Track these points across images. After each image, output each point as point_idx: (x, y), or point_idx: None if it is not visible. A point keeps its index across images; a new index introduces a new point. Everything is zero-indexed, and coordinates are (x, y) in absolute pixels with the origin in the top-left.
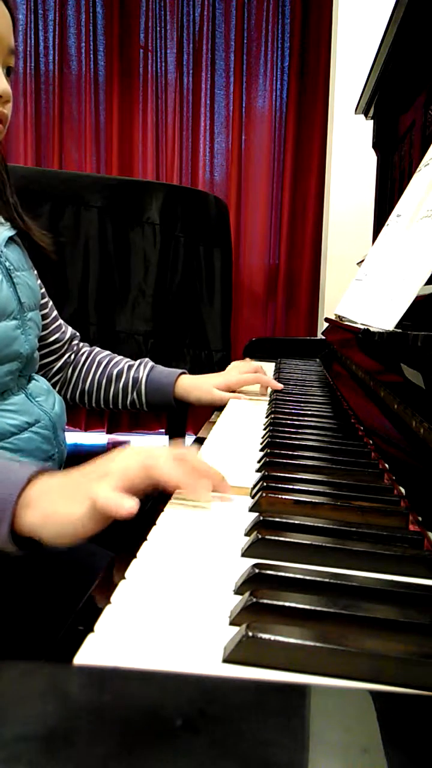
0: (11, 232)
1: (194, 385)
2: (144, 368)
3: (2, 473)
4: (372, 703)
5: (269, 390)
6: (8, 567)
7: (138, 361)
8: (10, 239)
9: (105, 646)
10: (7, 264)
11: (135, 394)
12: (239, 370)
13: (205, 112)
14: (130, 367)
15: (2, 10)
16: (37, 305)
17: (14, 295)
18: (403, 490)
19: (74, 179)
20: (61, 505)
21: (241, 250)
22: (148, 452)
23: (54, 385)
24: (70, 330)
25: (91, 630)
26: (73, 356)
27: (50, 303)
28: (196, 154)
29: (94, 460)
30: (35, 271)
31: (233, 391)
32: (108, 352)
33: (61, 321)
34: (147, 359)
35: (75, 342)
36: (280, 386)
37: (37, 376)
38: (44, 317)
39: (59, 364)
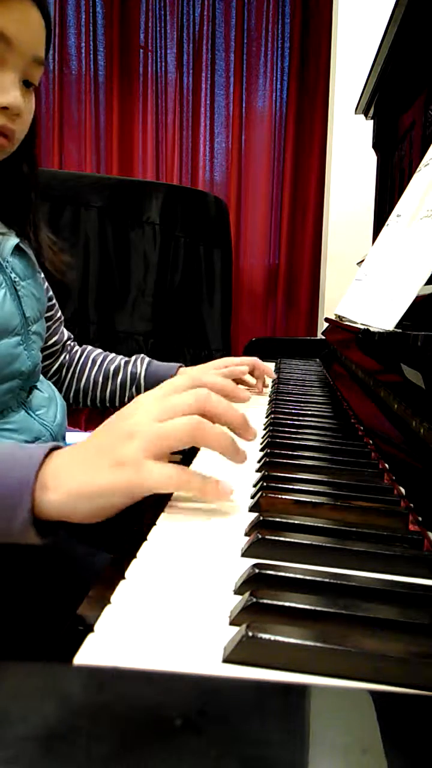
0: (18, 240)
1: None
2: (141, 363)
3: (13, 456)
4: (372, 703)
5: (269, 390)
6: (8, 567)
7: (134, 357)
8: (17, 247)
9: (105, 646)
10: (13, 275)
11: (134, 389)
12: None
13: (205, 112)
14: (126, 363)
15: (33, 17)
16: (42, 313)
17: (18, 309)
18: (403, 490)
19: (74, 179)
20: (84, 477)
21: (241, 250)
22: (198, 400)
23: None
24: (66, 332)
25: (91, 630)
26: (67, 356)
27: (56, 305)
28: (196, 154)
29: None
30: (42, 275)
31: (234, 381)
32: (100, 350)
33: (61, 322)
34: (143, 355)
35: (69, 342)
36: (273, 375)
37: (39, 383)
38: (48, 319)
39: (56, 366)
